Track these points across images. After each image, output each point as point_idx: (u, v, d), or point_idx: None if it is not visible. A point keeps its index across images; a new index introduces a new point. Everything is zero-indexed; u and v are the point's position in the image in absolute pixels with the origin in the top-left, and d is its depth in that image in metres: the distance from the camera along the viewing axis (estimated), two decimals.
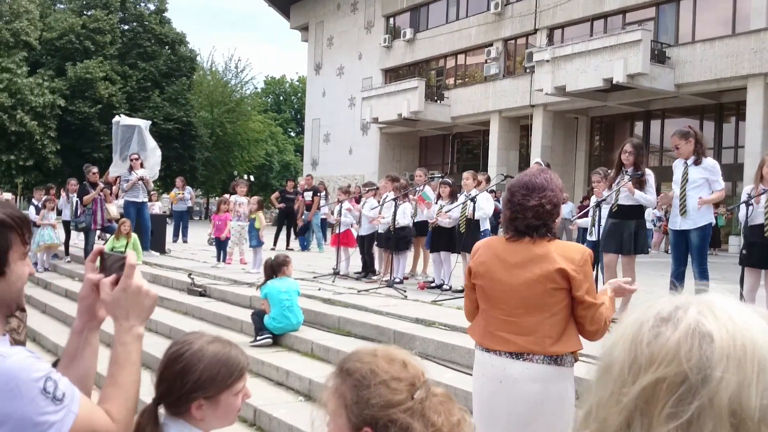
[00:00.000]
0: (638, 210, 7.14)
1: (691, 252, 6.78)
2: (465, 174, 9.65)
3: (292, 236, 17.63)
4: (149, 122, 15.99)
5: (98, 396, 1.55)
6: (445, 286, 9.46)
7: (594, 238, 7.75)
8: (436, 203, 10.06)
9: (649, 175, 7.06)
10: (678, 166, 6.91)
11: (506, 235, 3.04)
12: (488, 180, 10.15)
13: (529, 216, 2.93)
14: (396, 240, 10.01)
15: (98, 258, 1.66)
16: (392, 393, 1.40)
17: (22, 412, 1.33)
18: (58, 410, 1.37)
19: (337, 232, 11.41)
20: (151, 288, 1.63)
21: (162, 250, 14.47)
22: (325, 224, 17.81)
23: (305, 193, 17.04)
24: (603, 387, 0.88)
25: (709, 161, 6.78)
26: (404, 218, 10.19)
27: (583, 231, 10.78)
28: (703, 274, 6.69)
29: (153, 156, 14.65)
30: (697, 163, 6.73)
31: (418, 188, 10.81)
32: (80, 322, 1.66)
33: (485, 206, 9.11)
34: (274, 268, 7.37)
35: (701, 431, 0.79)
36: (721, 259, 18.97)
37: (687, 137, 6.78)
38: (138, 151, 14.01)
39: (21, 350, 1.41)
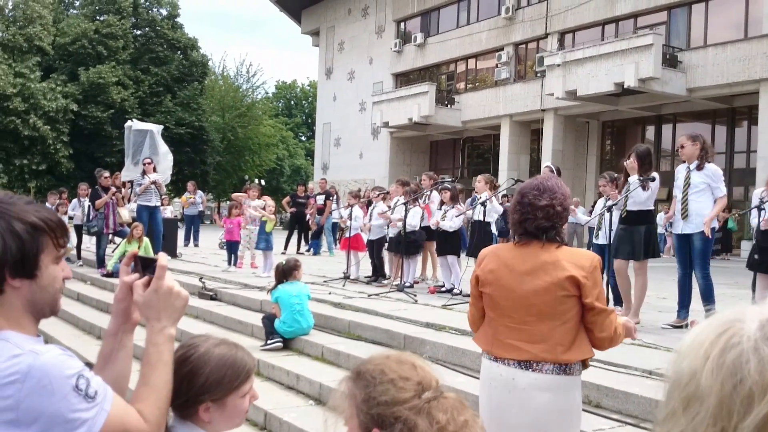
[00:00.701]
0: (648, 215, 7.14)
1: (693, 257, 6.76)
2: (478, 177, 9.66)
3: (303, 241, 17.66)
4: (161, 127, 16.07)
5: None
6: (455, 291, 9.45)
7: (602, 241, 7.73)
8: (440, 208, 10.07)
9: (653, 182, 7.06)
10: (681, 171, 6.91)
11: (515, 239, 3.03)
12: (494, 186, 10.14)
13: (539, 216, 2.93)
14: (406, 244, 10.02)
15: (133, 261, 1.69)
16: (399, 391, 1.42)
17: (54, 409, 1.34)
18: (90, 408, 1.38)
19: (347, 236, 11.42)
20: (182, 289, 1.65)
21: (173, 254, 14.53)
22: (336, 228, 17.83)
23: (318, 197, 17.07)
24: (695, 411, 0.81)
25: (711, 167, 6.77)
26: (414, 222, 10.20)
27: (590, 235, 10.74)
28: (705, 279, 6.67)
29: (165, 160, 14.72)
30: (699, 168, 6.73)
31: (426, 192, 10.82)
32: (115, 324, 1.68)
33: (493, 210, 9.13)
34: (286, 273, 7.38)
35: None
36: (733, 263, 18.85)
37: (695, 140, 6.79)
38: (150, 156, 14.08)
39: (54, 348, 1.42)
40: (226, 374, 1.74)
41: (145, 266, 1.66)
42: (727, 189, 7.10)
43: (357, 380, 1.48)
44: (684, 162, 6.92)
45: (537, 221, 2.94)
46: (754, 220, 6.15)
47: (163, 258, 1.64)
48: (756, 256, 6.06)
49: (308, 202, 17.26)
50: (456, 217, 9.56)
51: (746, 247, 21.25)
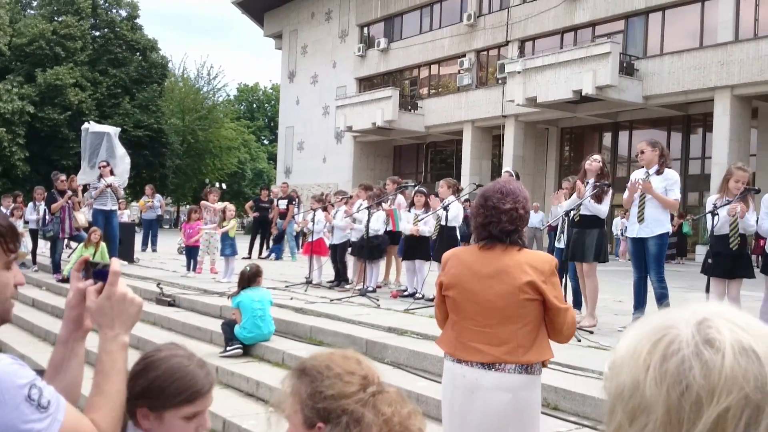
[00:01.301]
0: (599, 220, 7.30)
1: (648, 261, 6.89)
2: (441, 182, 9.72)
3: (265, 246, 17.54)
4: (119, 129, 15.81)
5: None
6: (417, 295, 9.48)
7: (562, 245, 7.84)
8: (409, 211, 10.09)
9: (609, 187, 7.25)
10: (638, 175, 7.04)
11: (479, 243, 3.06)
12: (457, 190, 10.19)
13: (504, 220, 2.97)
14: (369, 248, 10.02)
15: (84, 267, 1.65)
16: (345, 385, 1.44)
17: (6, 420, 1.31)
18: (43, 418, 1.35)
19: (309, 240, 11.38)
20: (136, 296, 1.62)
21: (130, 259, 14.30)
22: (299, 234, 17.75)
23: (280, 202, 16.97)
24: (643, 422, 0.80)
25: (670, 171, 6.92)
26: (377, 226, 10.20)
27: (552, 239, 10.89)
28: (660, 282, 6.80)
29: (122, 163, 14.48)
30: (658, 173, 6.87)
31: (390, 197, 10.84)
32: (66, 332, 1.64)
33: (456, 215, 9.17)
34: (251, 279, 7.32)
35: None
36: (688, 267, 19.25)
37: (655, 146, 6.94)
38: (107, 159, 13.84)
39: (4, 357, 1.38)
40: (170, 386, 1.69)
41: (98, 272, 1.62)
42: (682, 195, 7.27)
43: (302, 376, 1.49)
44: (642, 167, 7.05)
45: (501, 224, 2.98)
46: (708, 226, 6.29)
47: (116, 264, 1.61)
48: (710, 261, 6.19)
49: (272, 207, 17.16)
50: (420, 220, 9.60)
51: (701, 251, 21.73)
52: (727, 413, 0.77)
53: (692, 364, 0.79)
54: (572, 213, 7.30)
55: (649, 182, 6.74)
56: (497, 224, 2.98)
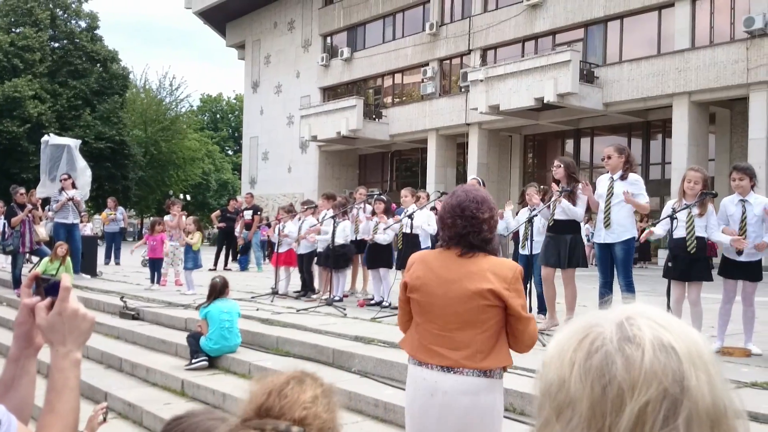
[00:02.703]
0: (574, 224, 7.36)
1: (616, 265, 6.98)
2: (403, 191, 9.75)
3: (231, 257, 17.39)
4: (79, 141, 15.60)
5: (35, 427, 1.50)
6: (384, 303, 9.49)
7: (527, 252, 7.89)
8: (371, 219, 10.11)
9: (581, 191, 7.28)
10: (603, 181, 7.14)
11: (455, 250, 3.03)
12: (428, 197, 10.24)
13: (485, 229, 2.98)
14: (335, 258, 10.00)
15: (34, 282, 1.61)
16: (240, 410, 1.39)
17: None
18: None
19: (279, 251, 11.32)
20: (88, 311, 1.59)
21: (93, 272, 14.08)
22: (264, 244, 17.64)
23: (245, 212, 16.86)
24: (569, 417, 0.84)
25: (633, 176, 7.03)
26: (343, 236, 10.20)
27: (515, 245, 10.96)
28: (629, 287, 6.89)
29: (83, 176, 14.28)
30: (623, 178, 6.97)
31: (358, 206, 10.84)
32: (16, 349, 1.60)
33: (426, 223, 9.17)
34: (221, 290, 7.26)
35: None
36: (651, 272, 19.58)
37: (621, 152, 7.03)
38: (68, 171, 13.64)
39: None
40: None
41: (48, 288, 1.59)
42: None
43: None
44: (608, 172, 7.15)
45: (482, 234, 2.98)
46: (659, 230, 6.41)
47: (66, 279, 1.57)
48: (669, 264, 6.30)
49: (237, 218, 17.06)
50: (386, 229, 9.61)
51: (664, 255, 22.12)
52: (647, 406, 0.80)
53: (615, 359, 0.82)
54: (544, 219, 7.38)
55: (630, 194, 6.81)
56: (478, 234, 2.97)
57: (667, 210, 6.50)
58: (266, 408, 1.32)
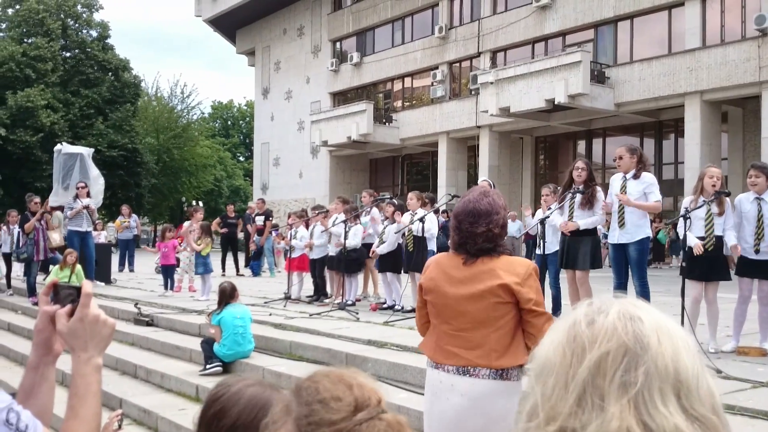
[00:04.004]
0: (592, 227, 7.35)
1: (630, 266, 6.93)
2: (410, 195, 9.75)
3: (242, 262, 17.45)
4: (92, 150, 15.71)
5: None
6: (397, 307, 9.48)
7: (540, 252, 7.87)
8: (383, 222, 10.11)
9: (599, 192, 7.25)
10: (616, 180, 7.10)
11: (460, 256, 3.07)
12: (432, 201, 10.22)
13: (480, 241, 3.00)
14: (347, 262, 10.01)
15: (52, 290, 1.62)
16: (328, 412, 1.39)
17: None
18: None
19: (291, 256, 11.34)
20: (108, 317, 1.60)
21: (107, 279, 14.16)
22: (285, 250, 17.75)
23: (257, 218, 16.92)
24: (544, 380, 0.92)
25: (647, 175, 6.97)
26: (355, 240, 10.21)
27: (531, 249, 10.93)
28: (643, 287, 6.83)
29: (96, 184, 14.37)
30: (636, 177, 6.93)
31: (365, 209, 10.85)
32: (36, 357, 1.61)
33: (431, 226, 9.18)
34: (231, 295, 7.29)
35: (651, 396, 0.86)
36: (665, 272, 19.47)
37: (633, 153, 6.98)
38: (81, 180, 13.74)
39: None
40: (256, 416, 1.63)
41: (67, 295, 1.60)
42: None
43: (296, 396, 1.46)
44: (621, 172, 7.11)
45: (478, 245, 3.01)
46: (681, 230, 6.35)
47: (87, 286, 1.59)
48: (683, 264, 6.26)
49: (238, 222, 17.23)
50: (395, 233, 9.60)
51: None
52: (607, 356, 0.88)
53: (582, 325, 0.92)
54: (547, 221, 7.36)
55: (626, 196, 6.78)
56: (474, 245, 3.01)
57: (682, 209, 6.45)
58: (360, 401, 1.36)
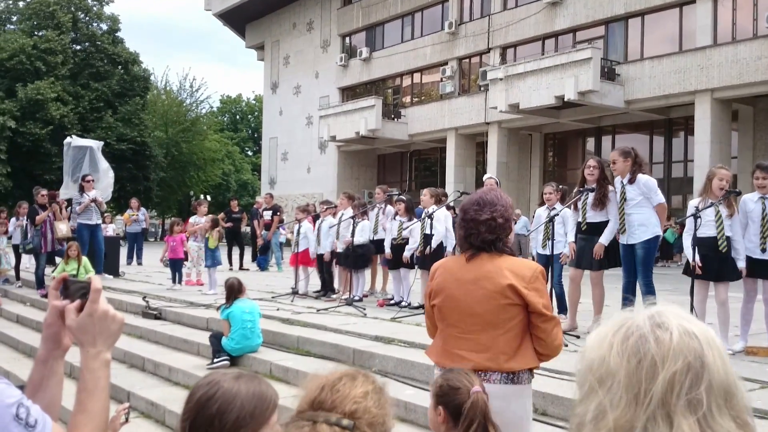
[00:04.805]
0: (605, 226, 7.31)
1: (637, 265, 6.91)
2: (423, 191, 9.69)
3: (248, 256, 17.49)
4: (101, 143, 15.75)
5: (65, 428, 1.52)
6: (403, 303, 9.48)
7: (547, 252, 7.83)
8: (394, 218, 10.09)
9: (612, 192, 7.20)
10: (617, 183, 7.08)
11: (465, 254, 3.07)
12: (445, 196, 10.11)
13: (482, 230, 2.99)
14: (355, 258, 10.01)
15: (62, 284, 1.63)
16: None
17: None
18: None
19: (295, 251, 11.34)
20: (117, 313, 1.60)
21: (116, 272, 14.21)
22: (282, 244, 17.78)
23: (265, 213, 16.95)
24: (609, 387, 1.04)
25: (642, 178, 6.91)
26: (363, 236, 10.20)
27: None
28: (648, 287, 6.82)
29: (105, 177, 14.42)
30: (631, 181, 6.90)
31: (379, 205, 10.83)
32: (45, 351, 1.62)
33: (438, 223, 9.10)
34: (239, 289, 7.30)
35: (710, 409, 0.99)
36: (673, 270, 19.39)
37: (626, 156, 6.93)
38: (90, 173, 13.78)
39: None
40: (256, 407, 1.65)
41: (77, 290, 1.61)
42: (666, 198, 7.30)
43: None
44: (617, 177, 7.09)
45: (481, 235, 2.99)
46: (691, 230, 6.33)
47: (96, 281, 1.59)
48: (692, 263, 6.23)
49: (242, 217, 17.28)
50: (406, 229, 9.58)
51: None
52: (675, 375, 1.00)
53: (648, 339, 1.04)
54: (555, 220, 7.33)
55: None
56: (477, 235, 3.00)
57: (691, 210, 6.42)
58: (319, 401, 1.39)
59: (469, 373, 2.72)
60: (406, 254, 9.43)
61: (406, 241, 9.57)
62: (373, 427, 1.36)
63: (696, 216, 6.16)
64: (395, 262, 9.75)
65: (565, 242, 7.70)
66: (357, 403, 1.37)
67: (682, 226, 7.07)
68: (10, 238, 14.50)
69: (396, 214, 10.10)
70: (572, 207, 7.43)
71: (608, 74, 23.06)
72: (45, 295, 11.83)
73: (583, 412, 1.07)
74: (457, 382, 2.63)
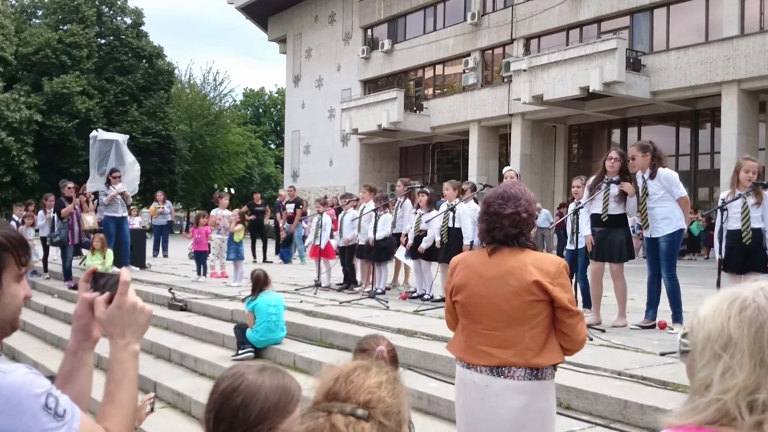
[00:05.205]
0: (624, 218, 7.27)
1: (660, 257, 6.87)
2: (446, 184, 9.66)
3: (271, 249, 17.59)
4: (127, 136, 15.90)
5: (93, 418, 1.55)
6: (426, 296, 9.48)
7: (573, 246, 7.77)
8: (415, 213, 10.09)
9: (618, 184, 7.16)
10: (639, 177, 7.02)
11: (486, 247, 3.06)
12: (473, 188, 10.02)
13: (506, 225, 2.97)
14: (377, 251, 10.03)
15: (92, 277, 1.66)
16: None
17: (24, 428, 1.32)
18: (60, 426, 1.36)
19: (316, 243, 11.39)
20: (146, 305, 1.63)
21: (142, 264, 14.37)
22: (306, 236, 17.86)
23: (287, 205, 17.03)
24: (732, 354, 1.18)
25: (663, 172, 6.86)
26: (385, 229, 10.21)
27: (563, 239, 10.83)
28: (671, 280, 6.77)
29: (132, 170, 14.56)
30: (651, 176, 6.83)
31: (400, 198, 10.83)
32: (75, 342, 1.65)
33: (464, 216, 9.08)
34: (264, 281, 7.35)
35: None
36: (700, 263, 19.20)
37: (645, 151, 6.87)
38: (117, 166, 13.93)
39: (21, 366, 1.40)
40: (280, 399, 1.68)
41: (106, 282, 1.63)
42: (692, 190, 7.23)
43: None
44: (637, 171, 7.03)
45: (504, 229, 2.97)
46: (717, 222, 6.26)
47: (125, 274, 1.62)
48: (719, 256, 6.17)
49: (265, 210, 17.36)
50: (427, 222, 9.56)
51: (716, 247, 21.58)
52: None
53: (765, 309, 1.19)
54: (582, 211, 7.28)
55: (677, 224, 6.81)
56: (500, 229, 2.98)
57: (719, 202, 6.36)
58: (334, 392, 1.39)
59: (379, 336, 3.36)
60: (423, 246, 9.45)
61: (425, 233, 9.58)
62: (388, 416, 1.38)
63: (722, 208, 6.09)
64: (414, 254, 9.76)
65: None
66: (371, 393, 1.39)
67: (708, 219, 7.00)
68: (37, 230, 14.72)
69: (418, 206, 10.10)
70: (591, 199, 7.30)
71: (633, 65, 22.80)
72: (72, 287, 12.00)
73: (707, 375, 1.20)
74: (366, 345, 3.23)
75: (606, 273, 7.41)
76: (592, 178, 7.53)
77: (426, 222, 9.48)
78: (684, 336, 1.33)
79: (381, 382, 1.42)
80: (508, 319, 2.92)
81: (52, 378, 1.50)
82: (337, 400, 1.38)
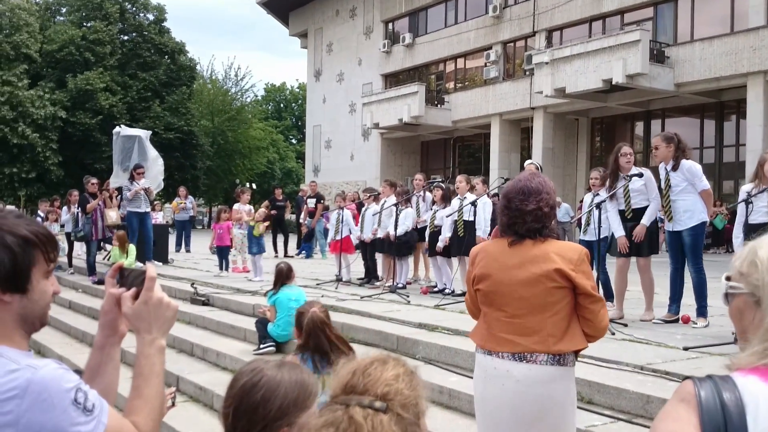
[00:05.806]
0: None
1: (686, 252, 6.80)
2: (458, 177, 9.64)
3: (292, 244, 17.66)
4: (150, 132, 16.03)
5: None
6: (447, 291, 9.46)
7: (589, 237, 7.73)
8: (431, 208, 10.07)
9: (649, 180, 7.09)
10: (662, 169, 6.95)
11: (507, 239, 3.06)
12: (485, 182, 9.96)
13: (529, 220, 2.98)
14: (398, 245, 10.02)
15: (118, 273, 1.68)
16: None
17: (54, 423, 1.35)
18: (89, 421, 1.38)
19: (336, 238, 11.41)
20: (171, 300, 1.65)
21: (165, 259, 14.50)
22: (327, 231, 17.91)
23: (309, 200, 17.09)
24: None
25: (686, 164, 6.78)
26: (406, 224, 10.20)
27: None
28: (699, 273, 6.70)
29: (155, 166, 14.68)
30: (674, 168, 6.76)
31: (417, 194, 10.82)
32: (102, 337, 1.67)
33: (483, 212, 9.04)
34: (287, 275, 7.37)
35: None
36: (725, 257, 18.94)
37: (669, 142, 6.80)
38: (140, 162, 14.05)
39: (50, 362, 1.42)
40: (299, 395, 1.71)
41: (133, 278, 1.65)
42: (717, 183, 7.14)
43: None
44: (660, 163, 6.96)
45: (527, 224, 2.99)
46: (741, 217, 6.17)
47: (151, 269, 1.64)
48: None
49: (286, 205, 17.43)
50: (447, 216, 9.55)
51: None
52: None
53: None
54: (602, 206, 7.22)
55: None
56: (523, 224, 2.99)
57: (742, 195, 6.26)
58: (351, 386, 1.41)
59: (313, 301, 4.29)
60: (439, 245, 9.44)
61: (440, 230, 9.56)
62: (406, 408, 1.40)
63: (747, 201, 6.01)
64: (433, 250, 9.75)
65: (608, 227, 7.57)
66: (389, 386, 1.40)
67: (733, 212, 6.91)
68: (62, 226, 14.89)
69: (433, 202, 10.09)
70: (611, 195, 7.22)
71: (657, 57, 22.53)
72: (96, 282, 12.14)
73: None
74: (302, 309, 4.13)
75: (632, 267, 7.35)
76: (607, 180, 7.48)
77: (447, 216, 9.46)
78: (728, 279, 1.33)
79: (398, 375, 1.43)
80: (530, 307, 2.93)
81: (78, 372, 1.52)
82: (355, 393, 1.39)
